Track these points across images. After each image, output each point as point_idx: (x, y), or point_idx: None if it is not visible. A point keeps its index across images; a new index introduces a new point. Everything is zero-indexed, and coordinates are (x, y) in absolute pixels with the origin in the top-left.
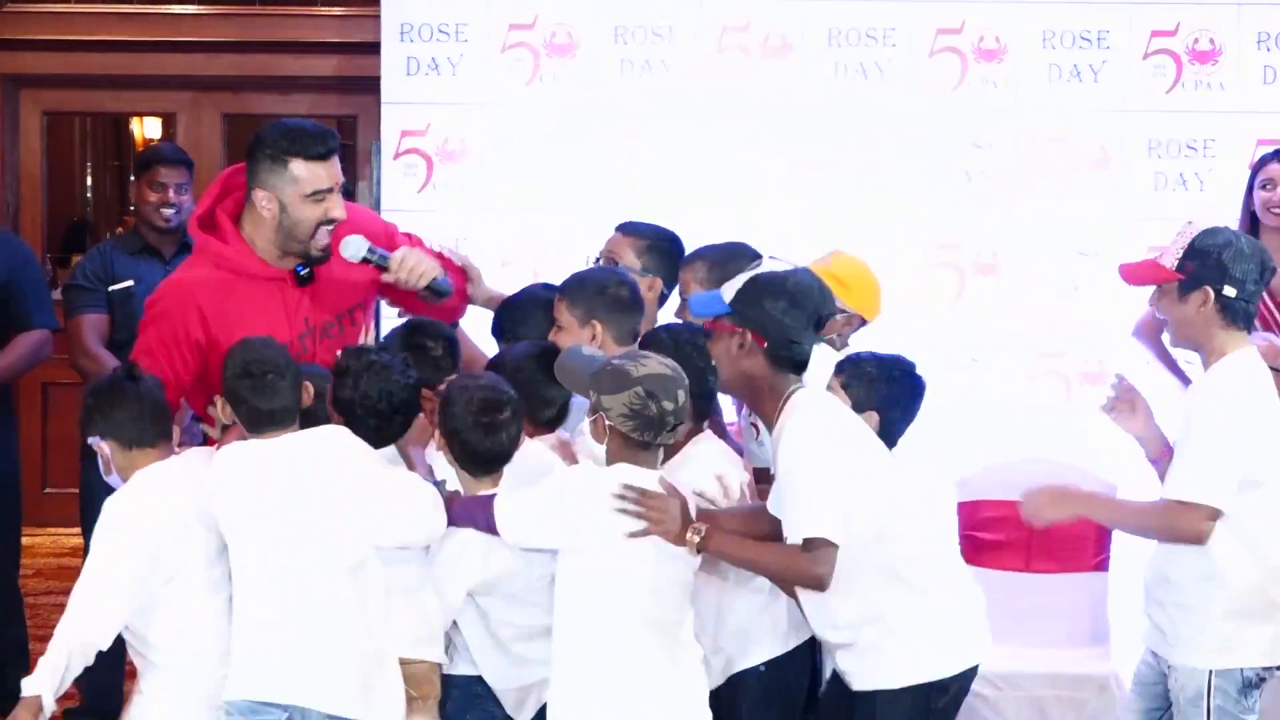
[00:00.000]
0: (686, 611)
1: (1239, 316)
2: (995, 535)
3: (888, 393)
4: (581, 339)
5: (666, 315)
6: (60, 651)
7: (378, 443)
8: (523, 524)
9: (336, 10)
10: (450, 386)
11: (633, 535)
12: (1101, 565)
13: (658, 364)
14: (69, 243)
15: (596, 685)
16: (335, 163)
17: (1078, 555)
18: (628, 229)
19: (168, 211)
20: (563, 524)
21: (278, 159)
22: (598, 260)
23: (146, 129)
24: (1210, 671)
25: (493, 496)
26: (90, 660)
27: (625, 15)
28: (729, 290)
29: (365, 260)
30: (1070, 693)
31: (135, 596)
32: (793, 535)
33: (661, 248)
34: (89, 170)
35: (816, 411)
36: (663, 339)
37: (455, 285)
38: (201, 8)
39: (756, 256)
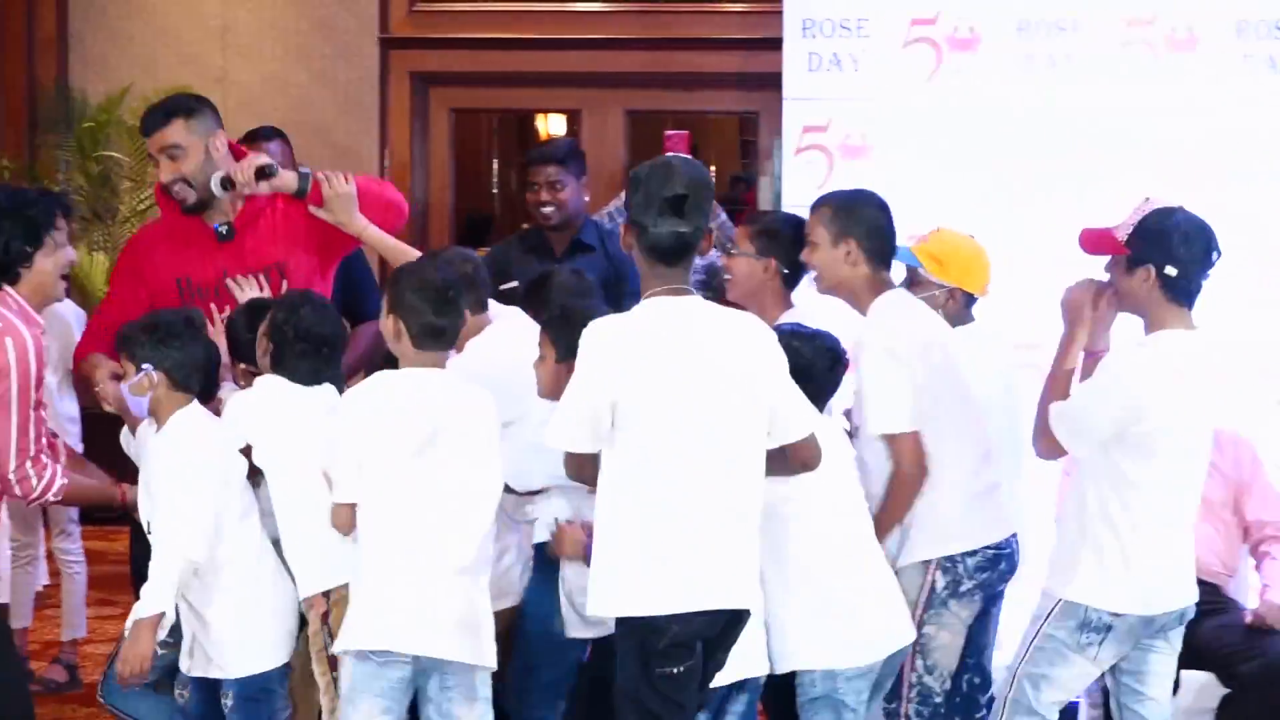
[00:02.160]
0: None
1: (1180, 294)
2: None
3: (803, 363)
4: None
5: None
6: (172, 570)
7: (311, 376)
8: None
9: (739, 6)
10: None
11: None
12: None
13: None
14: (469, 237)
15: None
16: (158, 135)
17: None
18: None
19: (547, 210)
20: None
21: None
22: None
23: (551, 125)
24: (1060, 600)
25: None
26: (190, 576)
27: (1029, 10)
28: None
29: (224, 187)
30: None
31: (214, 512)
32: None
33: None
34: (495, 166)
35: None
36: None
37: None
38: (606, 5)
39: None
